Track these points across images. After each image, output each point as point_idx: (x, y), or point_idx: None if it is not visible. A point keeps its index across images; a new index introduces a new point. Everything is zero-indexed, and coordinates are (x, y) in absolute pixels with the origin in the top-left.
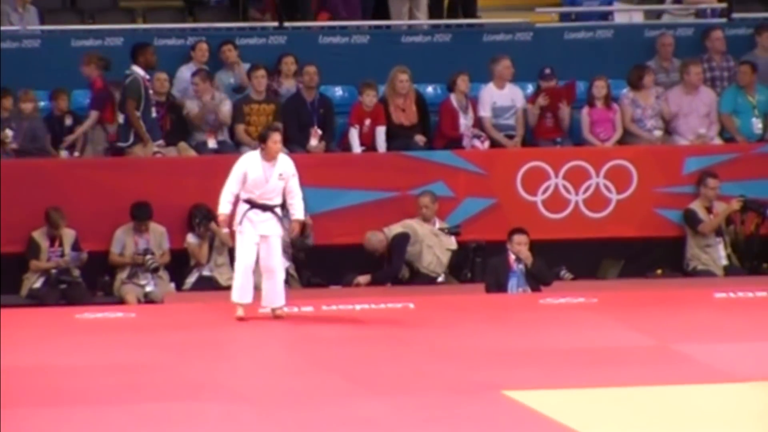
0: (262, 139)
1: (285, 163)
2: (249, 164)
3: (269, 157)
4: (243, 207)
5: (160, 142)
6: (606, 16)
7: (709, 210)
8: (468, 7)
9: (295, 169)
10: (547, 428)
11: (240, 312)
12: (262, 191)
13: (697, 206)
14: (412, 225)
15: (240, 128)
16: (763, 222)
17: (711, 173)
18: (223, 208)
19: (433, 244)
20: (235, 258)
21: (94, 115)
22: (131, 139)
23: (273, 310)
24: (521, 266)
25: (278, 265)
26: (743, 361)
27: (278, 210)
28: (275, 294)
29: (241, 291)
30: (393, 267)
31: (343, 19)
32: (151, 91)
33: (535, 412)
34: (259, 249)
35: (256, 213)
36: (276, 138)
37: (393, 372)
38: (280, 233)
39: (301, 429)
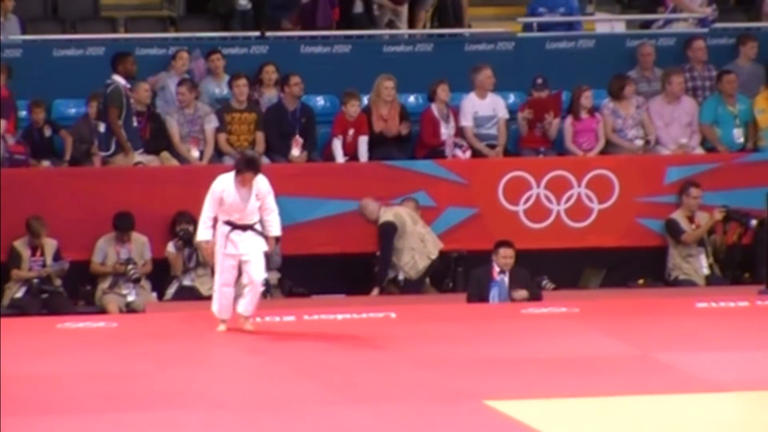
0: (237, 170)
1: (260, 182)
2: (225, 189)
3: (245, 183)
4: (224, 228)
5: (141, 151)
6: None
7: (691, 219)
8: (457, 15)
9: (270, 186)
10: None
11: (222, 327)
12: (242, 215)
13: (679, 216)
14: (403, 218)
15: (222, 137)
16: (745, 232)
17: (693, 182)
18: (204, 234)
19: (416, 248)
20: (215, 275)
21: (3, 124)
22: (113, 148)
23: (241, 315)
24: (505, 278)
25: (261, 279)
26: (725, 371)
27: (257, 226)
28: (249, 304)
29: (220, 309)
30: (383, 261)
31: (320, 29)
32: (132, 101)
33: (517, 422)
34: (240, 267)
35: (237, 233)
36: (248, 175)
37: (374, 381)
38: (264, 248)
39: None
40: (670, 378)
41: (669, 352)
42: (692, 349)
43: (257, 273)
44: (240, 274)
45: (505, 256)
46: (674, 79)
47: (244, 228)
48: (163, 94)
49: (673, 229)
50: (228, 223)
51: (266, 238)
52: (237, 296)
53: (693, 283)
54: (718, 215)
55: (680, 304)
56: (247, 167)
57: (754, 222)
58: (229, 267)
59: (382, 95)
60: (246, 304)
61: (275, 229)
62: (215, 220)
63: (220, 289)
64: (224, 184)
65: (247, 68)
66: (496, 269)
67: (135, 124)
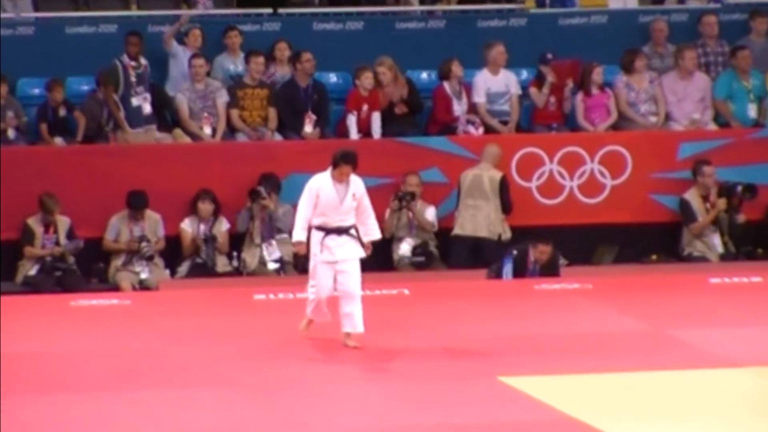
0: (334, 164)
1: (356, 182)
2: (321, 186)
3: (342, 178)
4: (318, 235)
5: (140, 129)
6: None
7: (705, 198)
8: None
9: (364, 188)
10: (543, 414)
11: (303, 325)
12: (337, 213)
13: (692, 196)
14: None
15: (235, 113)
16: (740, 202)
17: (705, 161)
18: (299, 235)
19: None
20: (312, 286)
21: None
22: (110, 125)
23: (348, 334)
24: (536, 268)
25: (358, 289)
26: (738, 347)
27: (353, 231)
28: (356, 319)
29: (315, 314)
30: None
31: (336, 5)
32: (133, 79)
33: (531, 398)
34: (336, 274)
35: (332, 238)
36: (346, 170)
37: (388, 357)
38: (360, 255)
39: (296, 414)
40: (683, 354)
41: (683, 328)
42: (706, 325)
43: (354, 284)
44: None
45: (542, 252)
46: (687, 54)
47: (339, 232)
48: (175, 63)
49: (685, 210)
50: (321, 228)
51: (362, 243)
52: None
53: (706, 260)
54: (722, 205)
55: (694, 280)
56: (344, 161)
57: (739, 188)
58: (326, 275)
59: (381, 80)
60: (352, 322)
61: (374, 232)
62: (310, 224)
63: (317, 299)
64: (320, 180)
65: (259, 45)
66: (531, 259)
67: (136, 102)
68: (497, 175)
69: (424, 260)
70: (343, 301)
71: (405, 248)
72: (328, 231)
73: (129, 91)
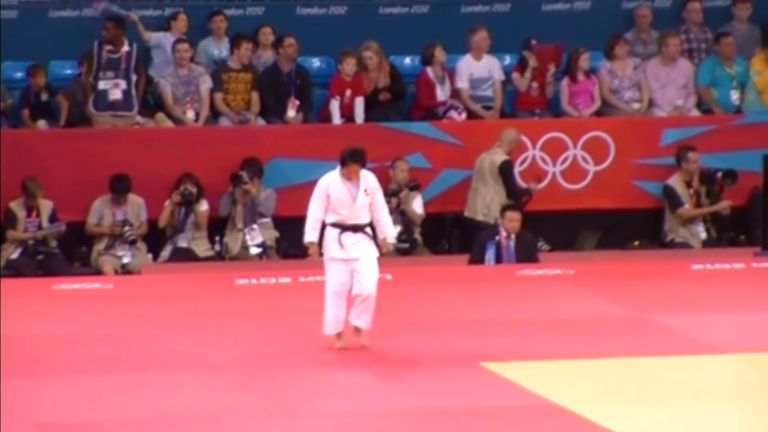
0: (342, 163)
1: (368, 177)
2: (330, 184)
3: (351, 176)
4: (333, 232)
5: (105, 114)
6: None
7: (689, 184)
8: None
9: (378, 183)
10: (525, 399)
11: (339, 344)
12: (350, 211)
13: (676, 182)
14: None
15: (218, 96)
16: (721, 188)
17: (689, 146)
18: (310, 235)
19: None
20: (325, 286)
21: None
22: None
23: (357, 329)
24: (511, 242)
25: (373, 288)
26: (720, 333)
27: (368, 230)
28: (366, 315)
29: (334, 322)
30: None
31: None
32: (103, 62)
33: (513, 384)
34: (352, 273)
35: (346, 236)
36: (354, 168)
37: (370, 342)
38: (375, 254)
39: (278, 397)
40: (666, 340)
41: (665, 314)
42: (688, 311)
43: (370, 282)
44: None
45: (512, 219)
46: (671, 41)
47: (355, 229)
48: (159, 53)
49: (670, 197)
50: (337, 225)
51: (377, 241)
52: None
53: (689, 246)
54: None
55: (676, 266)
56: (352, 159)
57: (719, 174)
58: (341, 274)
59: (366, 64)
60: (362, 317)
61: (390, 229)
62: (323, 224)
63: (333, 301)
64: (329, 179)
65: (243, 29)
66: (503, 233)
67: (103, 86)
68: (499, 159)
69: (408, 246)
70: (357, 300)
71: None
72: (343, 228)
73: (97, 74)
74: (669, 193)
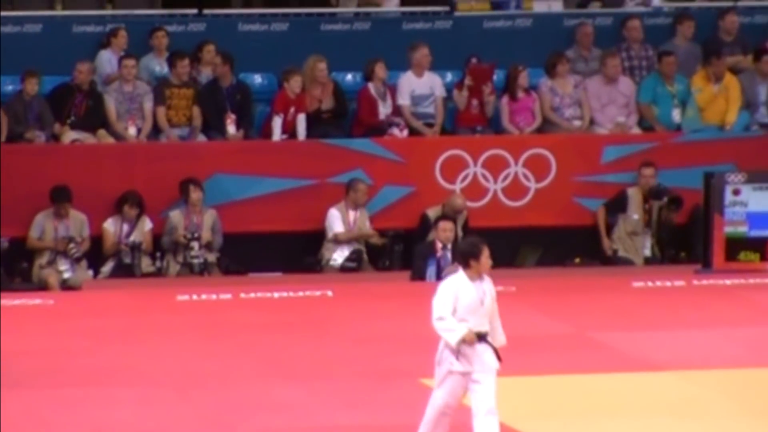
0: (471, 255)
1: (488, 281)
2: (460, 288)
3: (479, 273)
4: None
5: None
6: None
7: (646, 199)
8: None
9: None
10: (465, 416)
11: None
12: (477, 317)
13: (633, 192)
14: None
15: (161, 112)
16: (670, 210)
17: (647, 162)
18: (461, 330)
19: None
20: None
21: None
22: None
23: None
24: (448, 253)
25: (495, 407)
26: (661, 350)
27: (489, 339)
28: None
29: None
30: None
31: (260, 7)
32: None
33: None
34: (468, 388)
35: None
36: (487, 252)
37: (310, 358)
38: (496, 366)
39: (217, 412)
40: (605, 357)
41: (605, 331)
42: (628, 329)
43: (492, 399)
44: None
45: (444, 230)
46: (609, 62)
47: (478, 338)
48: (101, 71)
49: (621, 200)
50: None
51: (496, 351)
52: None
53: (631, 262)
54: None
55: (617, 283)
56: (475, 255)
57: (665, 199)
58: (457, 387)
59: (316, 77)
60: None
61: (501, 338)
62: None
63: (438, 418)
64: (458, 282)
65: (185, 45)
66: (439, 245)
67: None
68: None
69: (355, 266)
70: (481, 418)
71: (338, 256)
72: None
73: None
74: (621, 197)
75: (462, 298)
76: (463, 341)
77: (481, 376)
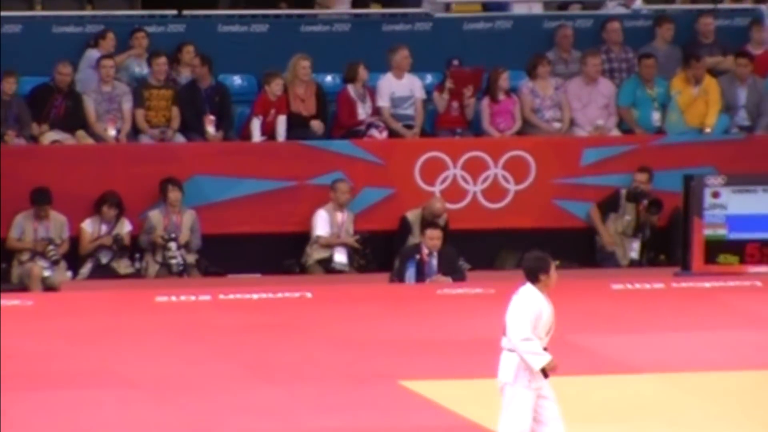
0: (535, 278)
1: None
2: (541, 305)
3: (549, 287)
4: None
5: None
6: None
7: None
8: None
9: None
10: (444, 418)
11: None
12: (548, 335)
13: (624, 194)
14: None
15: (140, 113)
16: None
17: (644, 167)
18: (545, 356)
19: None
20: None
21: None
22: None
23: None
24: (434, 259)
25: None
26: (638, 353)
27: None
28: None
29: None
30: None
31: (242, 8)
32: None
33: (432, 402)
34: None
35: None
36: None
37: (289, 361)
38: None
39: (196, 415)
40: (584, 359)
41: (584, 333)
42: (607, 331)
43: (559, 409)
44: None
45: (432, 238)
46: (590, 61)
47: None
48: (83, 71)
49: (614, 200)
50: None
51: None
52: None
53: (615, 263)
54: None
55: (596, 286)
56: (548, 268)
57: (645, 202)
58: (531, 404)
59: (299, 75)
60: None
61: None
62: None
63: None
64: (536, 297)
65: (164, 46)
66: (425, 251)
67: None
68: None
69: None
70: (555, 424)
71: (340, 256)
72: None
73: None
74: (614, 197)
75: (544, 317)
76: (543, 369)
77: (548, 390)
